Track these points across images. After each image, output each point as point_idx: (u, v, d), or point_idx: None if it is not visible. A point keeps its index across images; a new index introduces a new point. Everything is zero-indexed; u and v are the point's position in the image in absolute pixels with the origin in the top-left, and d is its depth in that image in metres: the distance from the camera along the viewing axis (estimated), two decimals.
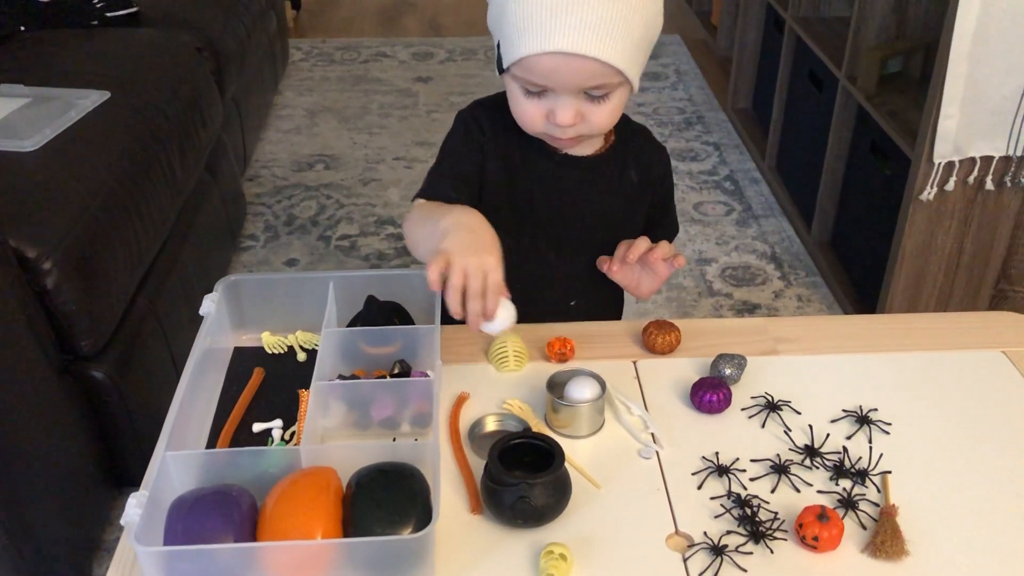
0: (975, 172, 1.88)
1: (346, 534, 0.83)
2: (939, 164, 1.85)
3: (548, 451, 0.91)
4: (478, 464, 0.97)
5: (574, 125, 1.06)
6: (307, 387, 1.02)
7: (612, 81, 1.03)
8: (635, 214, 1.24)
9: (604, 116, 1.07)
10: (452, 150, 1.20)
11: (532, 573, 0.86)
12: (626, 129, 1.23)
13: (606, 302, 1.30)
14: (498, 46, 1.06)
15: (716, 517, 0.92)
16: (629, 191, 1.22)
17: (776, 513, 0.92)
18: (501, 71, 1.07)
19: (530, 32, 0.99)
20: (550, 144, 1.15)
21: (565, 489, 0.91)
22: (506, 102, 1.12)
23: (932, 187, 1.88)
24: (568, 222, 1.20)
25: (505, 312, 0.97)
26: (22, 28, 2.20)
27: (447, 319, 1.12)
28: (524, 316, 1.19)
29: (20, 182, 1.56)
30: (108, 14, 2.29)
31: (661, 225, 1.28)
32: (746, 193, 2.87)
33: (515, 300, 1.21)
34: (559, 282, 1.24)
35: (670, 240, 1.25)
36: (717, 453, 1.00)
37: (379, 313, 1.11)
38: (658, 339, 1.13)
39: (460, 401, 1.07)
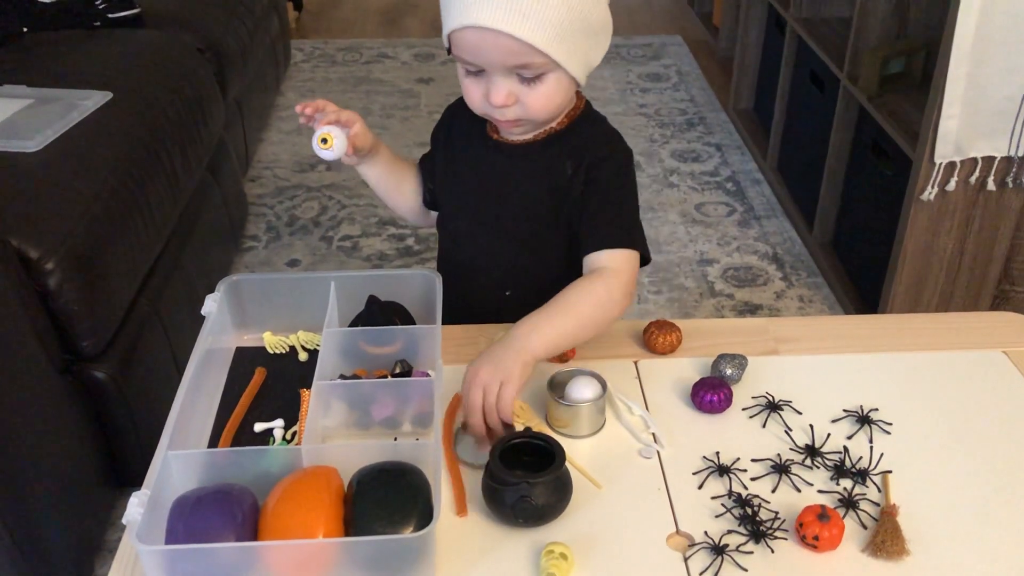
0: (976, 172, 1.87)
1: (347, 533, 0.84)
2: (940, 164, 1.85)
3: (549, 451, 0.92)
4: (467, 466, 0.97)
5: (508, 106, 1.08)
6: (308, 387, 1.02)
7: (535, 61, 1.03)
8: (562, 208, 1.16)
9: (539, 100, 1.08)
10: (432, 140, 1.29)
11: (533, 572, 0.86)
12: (586, 125, 1.18)
13: (547, 296, 1.10)
14: None
15: (717, 517, 0.92)
16: (559, 180, 1.15)
17: (777, 513, 0.92)
18: (449, 52, 1.11)
19: (454, 8, 1.03)
20: (494, 128, 1.18)
21: (566, 489, 0.91)
22: None
23: (933, 187, 1.88)
24: (497, 208, 1.20)
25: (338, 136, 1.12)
26: (25, 29, 2.20)
27: (448, 319, 1.12)
28: (461, 305, 1.20)
29: (23, 183, 1.57)
30: (110, 15, 2.30)
31: (589, 226, 1.13)
32: (748, 194, 2.87)
33: (454, 287, 1.22)
34: (494, 271, 1.24)
35: (600, 247, 1.10)
36: (718, 453, 1.00)
37: (380, 313, 1.12)
38: (659, 339, 1.13)
39: (457, 402, 1.06)
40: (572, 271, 1.13)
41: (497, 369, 0.98)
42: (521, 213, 1.19)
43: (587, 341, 1.09)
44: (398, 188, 1.28)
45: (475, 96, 1.10)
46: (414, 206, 1.30)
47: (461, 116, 1.22)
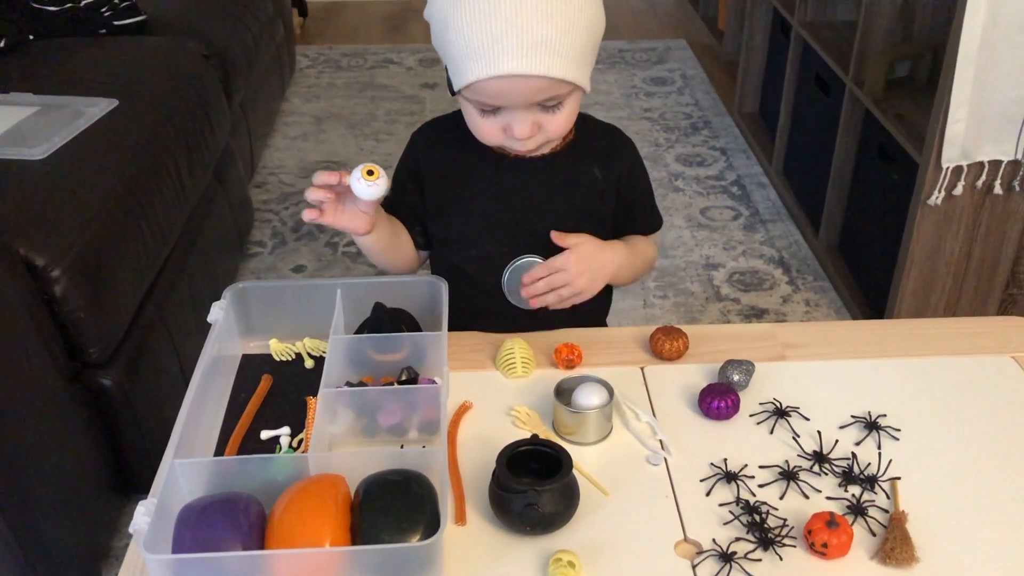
0: (983, 176, 1.87)
1: (354, 542, 0.83)
2: (947, 168, 1.85)
3: (556, 458, 0.91)
4: (474, 473, 0.97)
5: (532, 136, 1.08)
6: (315, 394, 1.02)
7: (562, 91, 1.05)
8: (599, 211, 1.22)
9: (560, 123, 1.09)
10: (395, 179, 1.25)
11: None
12: (589, 127, 1.22)
13: (582, 306, 1.23)
14: (446, 69, 1.07)
15: (725, 524, 0.92)
16: (590, 188, 1.21)
17: (785, 520, 0.92)
18: (453, 93, 1.09)
19: (474, 59, 1.00)
20: (508, 152, 1.16)
21: (573, 496, 0.91)
22: (460, 120, 1.14)
23: (940, 191, 1.88)
24: (525, 224, 1.19)
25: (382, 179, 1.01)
26: (31, 37, 2.21)
27: (454, 326, 1.12)
28: (498, 321, 1.19)
29: (29, 190, 1.57)
30: (116, 22, 2.30)
31: (634, 221, 1.27)
32: (753, 198, 2.87)
33: (488, 305, 1.21)
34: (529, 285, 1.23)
35: (650, 232, 1.29)
36: (725, 459, 0.99)
37: (387, 320, 1.11)
38: (665, 345, 1.13)
39: (462, 410, 1.06)
40: None
41: (588, 286, 1.15)
42: (553, 225, 1.18)
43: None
44: (399, 244, 1.23)
45: (492, 132, 1.09)
46: (412, 256, 1.26)
47: (443, 142, 1.21)
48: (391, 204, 1.25)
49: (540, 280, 1.13)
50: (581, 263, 1.14)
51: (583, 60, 1.04)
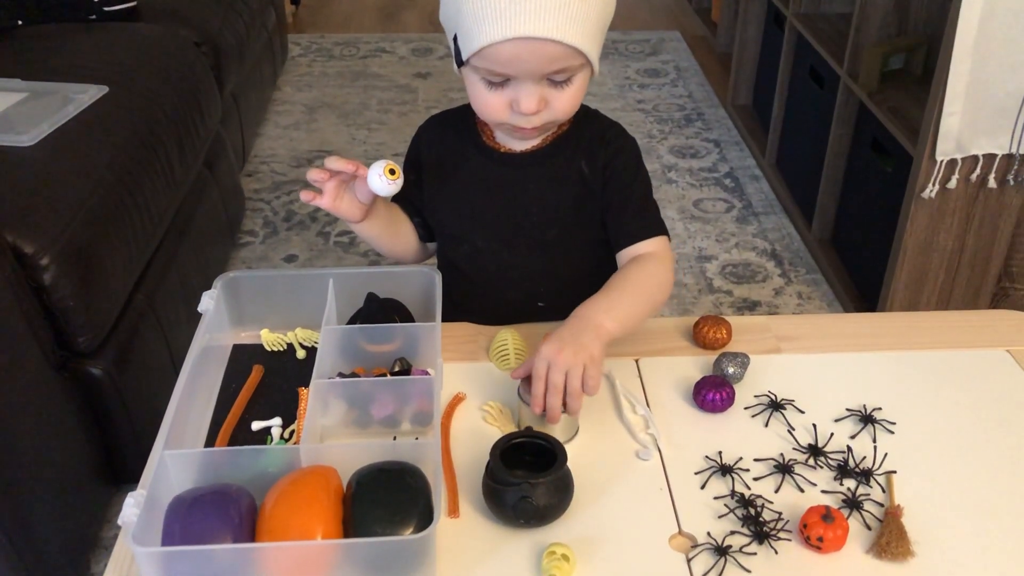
0: (977, 170, 1.87)
1: (346, 534, 0.83)
2: (941, 162, 1.84)
3: (550, 450, 0.91)
4: (467, 466, 0.96)
5: (538, 112, 1.05)
6: (307, 385, 1.01)
7: (574, 64, 1.02)
8: (586, 208, 1.17)
9: (567, 101, 1.06)
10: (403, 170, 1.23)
11: (535, 574, 0.85)
12: (586, 121, 1.18)
13: (581, 300, 1.16)
14: (454, 40, 1.05)
15: (719, 517, 0.92)
16: (579, 183, 1.17)
17: (780, 513, 0.91)
18: (460, 64, 1.06)
19: (489, 20, 0.98)
20: (492, 140, 1.15)
21: (567, 489, 0.90)
22: (462, 112, 1.12)
23: (934, 185, 1.87)
24: (515, 220, 1.18)
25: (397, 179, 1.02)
26: (20, 22, 2.18)
27: (448, 317, 1.11)
28: (492, 319, 1.18)
29: (17, 177, 1.55)
30: (106, 8, 2.28)
31: (622, 222, 1.15)
32: (746, 190, 2.86)
33: (482, 304, 1.21)
34: (522, 283, 1.22)
35: (640, 238, 1.13)
36: (720, 452, 0.99)
37: (379, 310, 1.11)
38: (710, 334, 1.12)
39: (455, 402, 1.06)
40: (602, 269, 1.13)
41: (579, 351, 0.97)
42: (544, 221, 1.17)
43: (646, 321, 1.10)
44: (398, 233, 1.22)
45: (498, 106, 1.06)
46: (414, 246, 1.25)
47: (443, 136, 1.20)
48: (397, 194, 1.24)
49: (547, 398, 0.97)
50: (551, 351, 0.98)
51: (596, 35, 1.02)
